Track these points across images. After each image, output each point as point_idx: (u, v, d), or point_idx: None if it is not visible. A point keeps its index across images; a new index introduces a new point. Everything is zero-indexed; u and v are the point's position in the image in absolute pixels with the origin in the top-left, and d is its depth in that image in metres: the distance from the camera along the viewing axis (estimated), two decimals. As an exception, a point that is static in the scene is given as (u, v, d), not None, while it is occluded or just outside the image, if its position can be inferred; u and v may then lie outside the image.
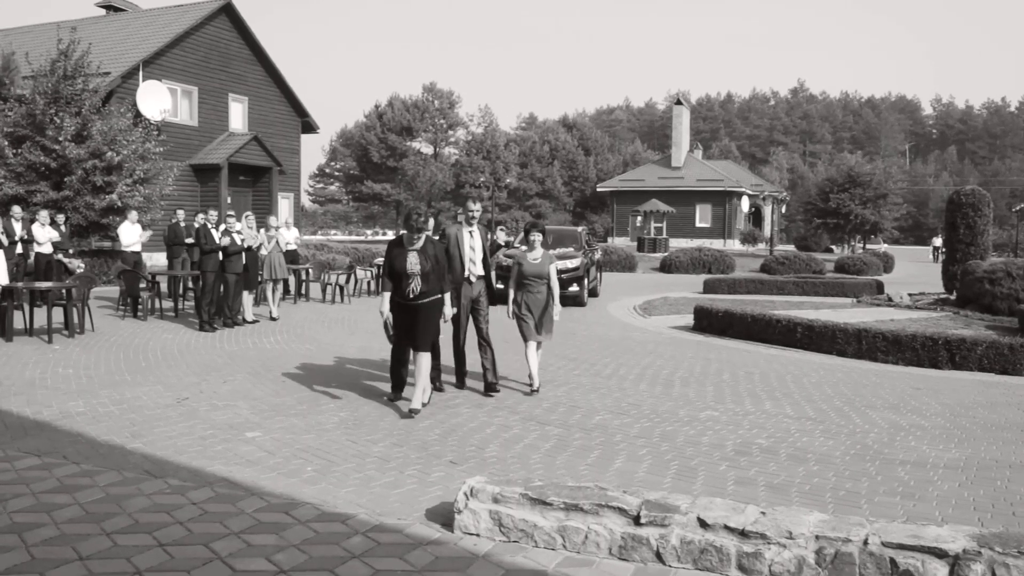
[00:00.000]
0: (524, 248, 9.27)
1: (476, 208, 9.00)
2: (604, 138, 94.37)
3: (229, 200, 29.84)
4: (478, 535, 4.57)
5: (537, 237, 9.08)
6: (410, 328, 7.90)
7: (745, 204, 57.06)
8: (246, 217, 15.01)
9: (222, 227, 13.85)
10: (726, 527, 4.15)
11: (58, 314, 13.25)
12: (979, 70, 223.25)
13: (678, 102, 68.59)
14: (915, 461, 6.62)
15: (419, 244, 7.83)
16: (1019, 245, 56.66)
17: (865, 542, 3.96)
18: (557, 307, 9.05)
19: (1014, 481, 6.13)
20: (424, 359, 7.88)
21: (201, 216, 17.82)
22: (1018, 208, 61.65)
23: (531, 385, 9.01)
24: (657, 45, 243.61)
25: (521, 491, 4.54)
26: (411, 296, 7.75)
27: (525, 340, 9.09)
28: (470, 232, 8.96)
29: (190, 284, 17.34)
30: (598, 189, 70.59)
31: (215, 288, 13.81)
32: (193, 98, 30.91)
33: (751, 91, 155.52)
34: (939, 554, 3.85)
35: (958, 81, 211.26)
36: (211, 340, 12.53)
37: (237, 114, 32.91)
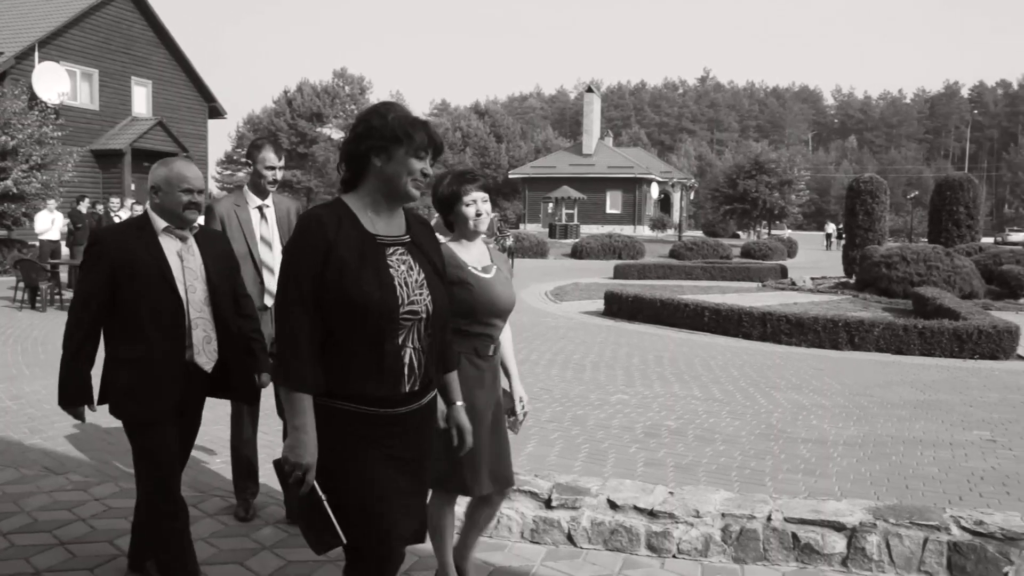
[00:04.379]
0: (450, 239, 3.60)
1: (274, 160, 4.53)
2: (516, 125, 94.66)
3: (133, 187, 28.97)
4: (391, 523, 4.55)
5: (480, 200, 3.52)
6: (407, 489, 2.69)
7: (655, 191, 57.89)
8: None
9: (125, 214, 13.44)
10: (635, 508, 4.23)
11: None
12: (876, 62, 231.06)
13: (589, 90, 69.09)
14: (816, 439, 6.85)
15: (402, 228, 2.75)
16: (914, 231, 58.94)
17: (768, 518, 4.09)
18: (519, 389, 3.79)
19: (907, 456, 6.40)
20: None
21: (101, 202, 17.31)
22: (913, 195, 64.12)
23: None
24: (569, 33, 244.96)
25: (434, 477, 4.54)
26: (408, 390, 2.64)
27: (467, 493, 3.50)
28: (261, 211, 4.57)
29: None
30: (510, 176, 70.70)
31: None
32: (94, 81, 29.86)
33: (662, 80, 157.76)
34: (838, 527, 4.01)
35: (857, 73, 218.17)
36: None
37: (141, 98, 31.93)
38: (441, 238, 3.25)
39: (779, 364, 10.53)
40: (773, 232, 53.91)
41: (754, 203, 53.24)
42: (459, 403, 2.99)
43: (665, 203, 66.62)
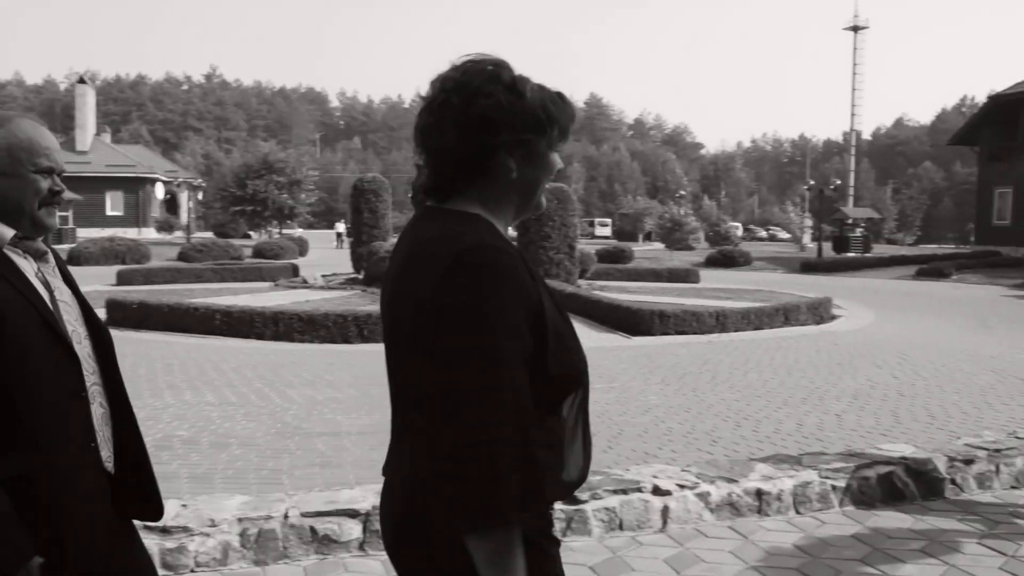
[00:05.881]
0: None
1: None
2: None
3: None
4: None
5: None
6: None
7: (160, 191, 55.32)
8: None
9: None
10: (146, 527, 3.99)
11: None
12: (377, 68, 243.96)
13: (81, 81, 63.83)
14: (331, 432, 7.04)
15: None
16: (415, 227, 63.28)
17: (286, 516, 4.11)
18: None
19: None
20: None
21: None
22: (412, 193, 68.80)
23: None
24: (59, 17, 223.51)
25: None
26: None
27: None
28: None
29: None
30: (-13, 174, 62.74)
31: None
32: None
33: (164, 74, 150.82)
34: (352, 514, 4.16)
35: (360, 77, 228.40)
36: None
37: None
38: None
39: (293, 362, 10.64)
40: (284, 231, 54.32)
41: (264, 203, 53.19)
42: None
43: (172, 204, 63.90)
